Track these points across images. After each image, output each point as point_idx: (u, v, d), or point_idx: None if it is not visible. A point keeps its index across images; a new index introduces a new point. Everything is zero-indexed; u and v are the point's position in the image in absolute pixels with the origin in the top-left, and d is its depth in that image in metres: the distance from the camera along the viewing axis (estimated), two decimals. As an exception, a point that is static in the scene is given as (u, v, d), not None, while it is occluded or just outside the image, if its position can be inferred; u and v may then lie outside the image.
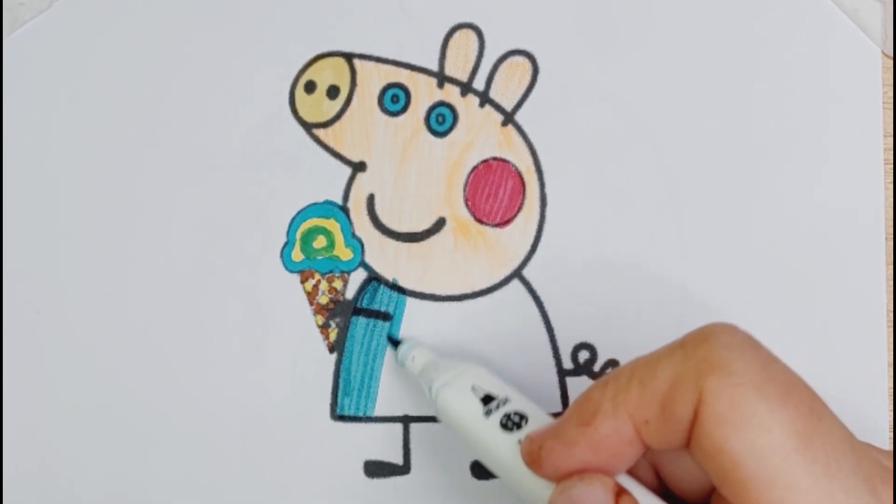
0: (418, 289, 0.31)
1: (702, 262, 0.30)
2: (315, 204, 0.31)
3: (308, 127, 0.31)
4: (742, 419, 0.19)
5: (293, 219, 0.31)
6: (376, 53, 0.31)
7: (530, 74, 0.31)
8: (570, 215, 0.31)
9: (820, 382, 0.30)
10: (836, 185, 0.30)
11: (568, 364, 0.30)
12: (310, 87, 0.31)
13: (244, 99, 0.31)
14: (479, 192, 0.31)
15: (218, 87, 0.31)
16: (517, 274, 0.31)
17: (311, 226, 0.31)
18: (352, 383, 0.30)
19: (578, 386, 0.30)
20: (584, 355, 0.30)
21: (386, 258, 0.31)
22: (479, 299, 0.31)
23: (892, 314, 0.30)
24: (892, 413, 0.30)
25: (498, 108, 0.31)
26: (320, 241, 0.31)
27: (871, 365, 0.30)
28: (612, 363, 0.30)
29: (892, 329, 0.30)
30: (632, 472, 0.22)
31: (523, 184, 0.31)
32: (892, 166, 0.30)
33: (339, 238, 0.31)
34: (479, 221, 0.31)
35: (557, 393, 0.30)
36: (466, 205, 0.31)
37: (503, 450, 0.23)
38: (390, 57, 0.31)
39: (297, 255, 0.31)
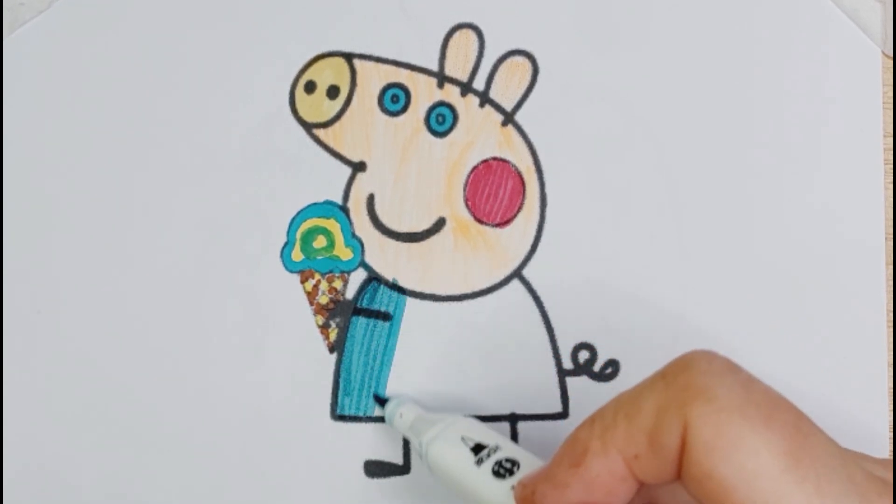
0: (418, 289, 0.31)
1: (701, 261, 0.30)
2: (315, 204, 0.31)
3: (308, 127, 0.31)
4: (728, 444, 0.19)
5: (293, 219, 0.31)
6: (376, 53, 0.31)
7: (530, 74, 0.31)
8: (570, 215, 0.31)
9: (819, 383, 0.30)
10: (836, 185, 0.30)
11: (568, 364, 0.30)
12: (310, 87, 0.31)
13: (244, 99, 0.31)
14: (479, 192, 0.31)
15: (218, 87, 0.31)
16: (517, 274, 0.31)
17: (311, 226, 0.31)
18: (352, 383, 0.30)
19: (578, 386, 0.30)
20: (584, 355, 0.30)
21: (386, 258, 0.31)
22: (479, 299, 0.31)
23: (892, 314, 0.30)
24: (892, 413, 0.30)
25: (498, 108, 0.31)
26: (320, 241, 0.31)
27: (871, 365, 0.30)
28: (612, 363, 0.30)
29: (892, 329, 0.30)
30: None
31: (523, 184, 0.31)
32: (892, 166, 0.30)
33: (339, 238, 0.31)
34: (479, 221, 0.31)
35: (557, 393, 0.30)
36: (466, 205, 0.31)
37: (496, 497, 0.23)
38: (390, 57, 0.31)
39: (297, 255, 0.31)
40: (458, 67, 0.31)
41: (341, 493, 0.30)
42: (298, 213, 0.31)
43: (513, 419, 0.30)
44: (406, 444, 0.30)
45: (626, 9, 0.31)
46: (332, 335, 0.30)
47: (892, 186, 0.30)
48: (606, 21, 0.31)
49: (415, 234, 0.31)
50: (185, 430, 0.30)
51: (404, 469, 0.30)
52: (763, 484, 0.18)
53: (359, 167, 0.31)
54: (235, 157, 0.31)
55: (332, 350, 0.30)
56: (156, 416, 0.30)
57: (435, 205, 0.31)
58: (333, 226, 0.31)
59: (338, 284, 0.31)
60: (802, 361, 0.30)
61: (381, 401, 0.30)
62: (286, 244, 0.31)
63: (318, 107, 0.31)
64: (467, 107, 0.31)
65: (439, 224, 0.31)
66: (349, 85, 0.31)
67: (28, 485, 0.31)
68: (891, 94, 0.30)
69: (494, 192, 0.31)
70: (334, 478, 0.30)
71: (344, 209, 0.31)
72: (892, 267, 0.30)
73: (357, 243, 0.31)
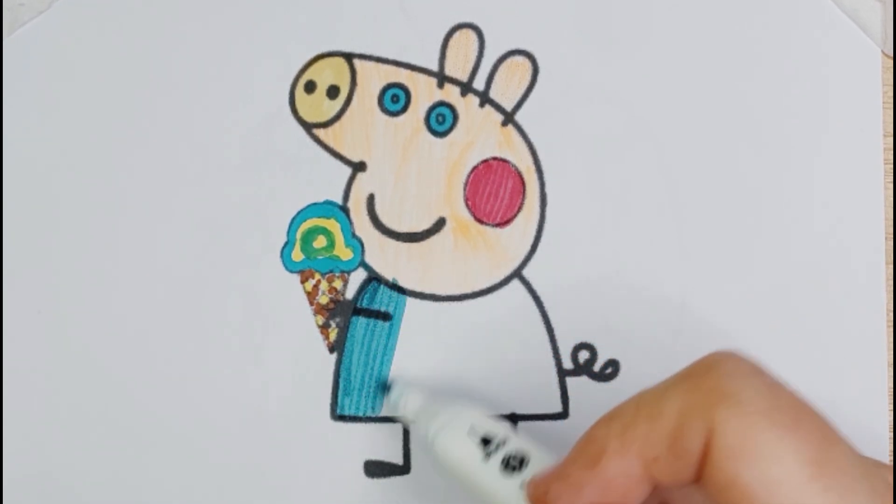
0: (418, 289, 0.31)
1: (702, 261, 0.30)
2: (315, 204, 0.31)
3: (308, 127, 0.31)
4: (754, 450, 0.18)
5: (293, 219, 0.31)
6: (376, 53, 0.31)
7: (530, 74, 0.31)
8: (570, 215, 0.31)
9: (819, 383, 0.30)
10: (836, 184, 0.30)
11: (568, 364, 0.30)
12: (310, 87, 0.31)
13: (244, 99, 0.31)
14: (480, 192, 0.31)
15: (218, 87, 0.31)
16: (517, 274, 0.31)
17: (311, 226, 0.31)
18: (352, 383, 0.30)
19: (578, 386, 0.30)
20: (584, 355, 0.30)
21: (386, 258, 0.31)
22: (479, 299, 0.31)
23: (892, 314, 0.30)
24: (892, 414, 0.30)
25: (498, 108, 0.31)
26: (320, 241, 0.31)
27: (871, 365, 0.30)
28: (612, 363, 0.30)
29: (892, 329, 0.30)
30: None
31: (523, 184, 0.31)
32: (892, 166, 0.30)
33: (340, 238, 0.31)
34: (479, 221, 0.31)
35: (557, 393, 0.30)
36: (466, 205, 0.31)
37: (506, 495, 0.23)
38: (390, 57, 0.31)
39: (297, 255, 0.31)
40: (458, 67, 0.31)
41: (341, 493, 0.30)
42: (298, 213, 0.31)
43: (513, 419, 0.30)
44: (406, 443, 0.30)
45: (627, 9, 0.31)
46: (332, 335, 0.30)
47: (892, 186, 0.30)
48: (606, 21, 0.31)
49: (415, 234, 0.31)
50: (185, 430, 0.30)
51: (404, 469, 0.30)
52: (787, 493, 0.18)
53: (359, 167, 0.31)
54: (235, 157, 0.31)
55: (332, 350, 0.30)
56: (156, 416, 0.30)
57: (435, 205, 0.31)
58: (333, 226, 0.31)
59: (338, 284, 0.31)
60: (802, 361, 0.30)
61: (386, 386, 0.30)
62: (286, 244, 0.31)
63: (318, 107, 0.31)
64: (467, 107, 0.31)
65: (439, 224, 0.31)
66: (349, 85, 0.31)
67: (28, 485, 0.31)
68: (891, 93, 0.30)
69: (494, 192, 0.31)
70: (334, 478, 0.30)
71: (344, 209, 0.31)
72: (892, 267, 0.30)
73: (357, 243, 0.31)
